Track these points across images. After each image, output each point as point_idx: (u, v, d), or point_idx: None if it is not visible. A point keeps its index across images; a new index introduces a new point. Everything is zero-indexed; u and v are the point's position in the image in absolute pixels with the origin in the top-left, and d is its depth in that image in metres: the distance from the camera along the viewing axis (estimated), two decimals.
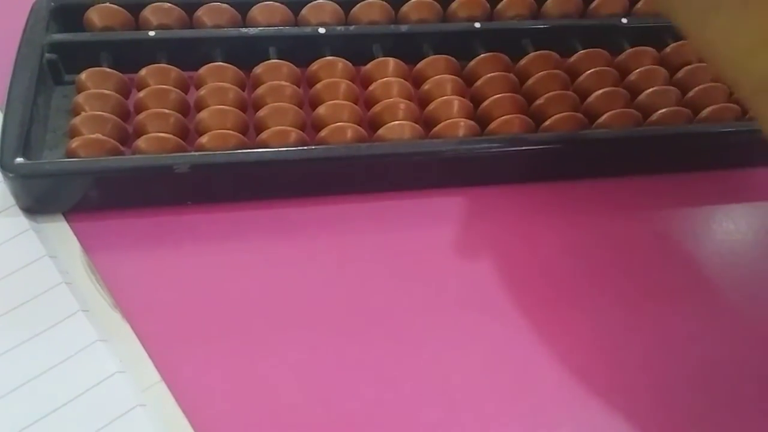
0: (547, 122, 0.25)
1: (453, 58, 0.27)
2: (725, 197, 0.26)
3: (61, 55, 0.25)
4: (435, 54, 0.27)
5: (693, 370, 0.22)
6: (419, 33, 0.28)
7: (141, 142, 0.23)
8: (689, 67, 0.27)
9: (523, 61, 0.27)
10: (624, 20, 0.29)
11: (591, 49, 0.27)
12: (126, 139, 0.24)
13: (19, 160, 0.22)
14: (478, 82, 0.26)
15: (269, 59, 0.26)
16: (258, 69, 0.26)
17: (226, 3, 0.27)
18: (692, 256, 0.25)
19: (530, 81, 0.27)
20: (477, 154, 0.25)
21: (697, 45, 0.19)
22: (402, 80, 0.26)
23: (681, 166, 0.26)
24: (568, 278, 0.24)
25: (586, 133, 0.25)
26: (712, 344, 0.22)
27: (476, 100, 0.26)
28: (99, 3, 0.27)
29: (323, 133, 0.24)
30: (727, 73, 0.18)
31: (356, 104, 0.26)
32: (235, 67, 0.26)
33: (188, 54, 0.26)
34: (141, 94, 0.24)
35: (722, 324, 0.23)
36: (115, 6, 0.27)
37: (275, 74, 0.26)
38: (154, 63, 0.25)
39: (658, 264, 0.24)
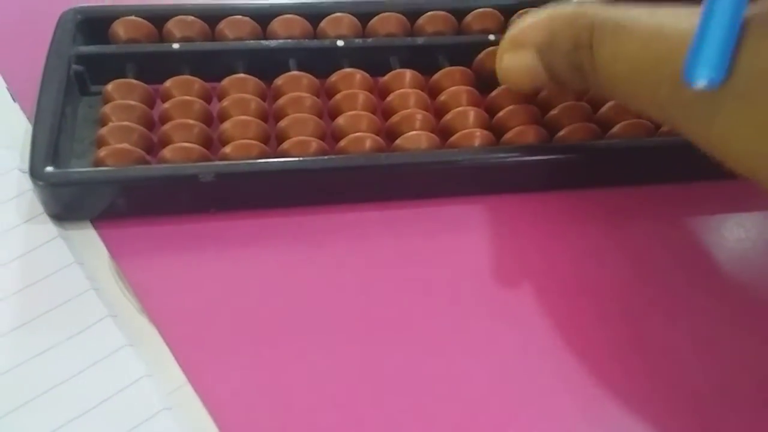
0: (562, 132, 0.26)
1: (468, 70, 0.28)
2: (736, 206, 0.27)
3: (87, 66, 0.26)
4: (450, 65, 0.28)
5: (705, 376, 0.22)
6: (435, 45, 0.29)
7: (166, 152, 0.24)
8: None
9: None
10: None
11: None
12: (151, 148, 0.25)
13: (49, 168, 0.23)
14: (493, 93, 0.27)
15: (289, 71, 0.27)
16: (279, 80, 0.26)
17: (247, 16, 0.28)
18: (704, 263, 0.25)
19: (544, 92, 0.27)
20: (493, 164, 0.25)
21: (705, 148, 0.19)
22: (419, 91, 0.27)
23: (694, 175, 0.27)
24: (584, 286, 0.24)
25: (601, 143, 0.26)
26: (724, 351, 0.23)
27: (491, 111, 0.27)
28: (124, 16, 0.27)
29: (343, 143, 0.25)
30: (741, 167, 0.18)
31: (374, 115, 0.26)
32: (256, 79, 0.26)
33: (211, 66, 0.27)
34: (166, 105, 0.25)
35: (735, 331, 0.23)
36: (140, 19, 0.27)
37: (295, 86, 0.26)
38: (178, 74, 0.26)
39: (672, 272, 0.25)
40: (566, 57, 0.22)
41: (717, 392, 0.22)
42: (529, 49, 0.23)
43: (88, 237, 0.24)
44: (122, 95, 0.25)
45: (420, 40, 0.28)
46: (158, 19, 0.28)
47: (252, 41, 0.28)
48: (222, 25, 0.28)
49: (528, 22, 0.23)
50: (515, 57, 0.23)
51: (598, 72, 0.21)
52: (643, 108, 0.21)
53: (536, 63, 0.23)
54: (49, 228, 0.23)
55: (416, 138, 0.25)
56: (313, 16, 0.28)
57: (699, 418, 0.21)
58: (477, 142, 0.26)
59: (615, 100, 0.22)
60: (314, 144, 0.25)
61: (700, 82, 0.17)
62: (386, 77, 0.27)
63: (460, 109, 0.26)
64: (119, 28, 0.27)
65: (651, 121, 0.26)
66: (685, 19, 0.19)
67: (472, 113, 0.26)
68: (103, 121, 0.25)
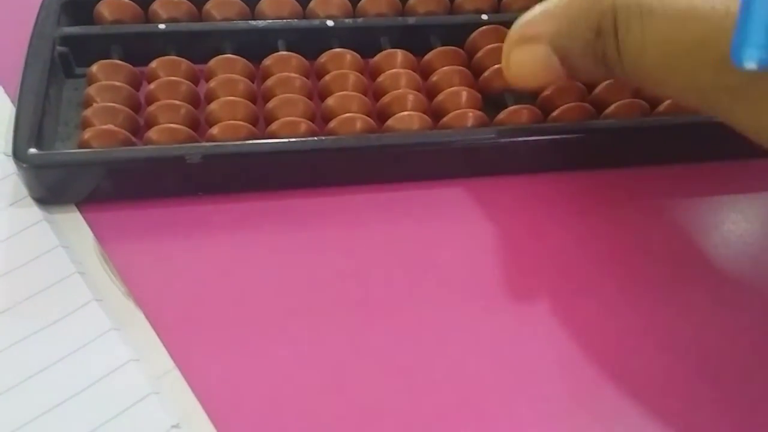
0: (555, 113, 0.25)
1: (461, 50, 0.27)
2: (733, 187, 0.26)
3: (71, 48, 0.26)
4: (442, 46, 0.27)
5: (702, 359, 0.22)
6: (426, 25, 0.28)
7: (152, 133, 0.23)
8: None
9: None
10: None
11: None
12: (137, 130, 0.24)
13: (32, 150, 0.22)
14: (486, 73, 0.27)
15: (278, 51, 0.26)
16: (267, 61, 0.26)
17: None
18: (700, 245, 0.25)
19: (550, 89, 0.27)
20: (486, 144, 0.25)
21: (755, 132, 0.18)
22: (410, 72, 0.26)
23: (689, 156, 0.26)
24: (577, 268, 0.24)
25: (595, 123, 0.25)
26: (720, 333, 0.22)
27: (483, 91, 0.26)
28: None
29: (332, 123, 0.25)
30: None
31: (365, 95, 0.26)
32: (244, 60, 0.26)
33: (198, 47, 0.26)
34: (152, 86, 0.25)
35: (732, 313, 0.23)
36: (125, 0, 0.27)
37: (284, 66, 0.26)
38: (164, 55, 0.26)
39: (666, 253, 0.24)
40: (588, 47, 0.20)
41: (711, 375, 0.21)
42: (542, 42, 0.21)
43: (73, 220, 0.23)
44: (107, 76, 0.25)
45: (411, 20, 0.28)
46: (144, 0, 0.27)
47: (240, 21, 0.27)
48: (209, 6, 0.27)
49: (538, 11, 0.21)
50: (526, 52, 0.21)
51: (625, 60, 0.19)
52: (679, 94, 0.20)
53: (551, 57, 0.21)
54: (34, 211, 0.23)
55: (407, 119, 0.25)
56: None
57: (689, 401, 0.21)
58: (469, 123, 0.25)
59: (644, 88, 0.20)
60: (303, 125, 0.24)
61: (750, 64, 0.16)
62: (377, 57, 0.27)
63: (452, 89, 0.26)
64: (104, 9, 0.27)
65: (657, 99, 0.26)
66: None
67: (464, 93, 0.26)
68: (87, 103, 0.24)
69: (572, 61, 0.21)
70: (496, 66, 0.26)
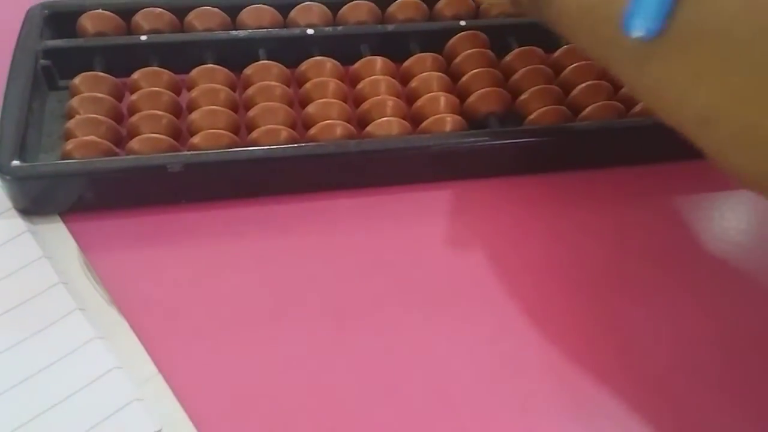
0: (533, 116, 0.26)
1: (439, 56, 0.28)
2: (707, 186, 0.27)
3: (55, 60, 0.26)
4: (421, 52, 0.28)
5: (672, 353, 0.22)
6: (406, 32, 0.28)
7: (135, 144, 0.24)
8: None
9: (507, 57, 0.28)
10: None
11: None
12: (120, 140, 0.24)
13: (16, 162, 0.22)
14: (464, 78, 0.27)
15: (259, 60, 0.27)
16: (248, 70, 0.26)
17: (216, 7, 0.28)
18: (675, 242, 0.25)
19: (515, 76, 0.27)
20: (464, 148, 0.25)
21: (637, 93, 0.20)
22: (389, 78, 0.27)
23: (664, 156, 0.27)
24: (557, 268, 0.24)
25: (572, 125, 0.26)
26: (691, 328, 0.23)
27: (462, 96, 0.27)
28: (91, 9, 0.27)
29: (313, 130, 0.25)
30: (669, 116, 0.19)
31: (345, 102, 0.26)
32: (225, 69, 0.26)
33: (180, 57, 0.27)
34: (134, 96, 0.25)
35: (703, 309, 0.23)
36: (107, 12, 0.27)
37: (265, 75, 0.26)
38: (146, 66, 0.26)
39: (642, 251, 0.25)
40: None
41: (684, 368, 0.22)
42: None
43: (57, 231, 0.23)
44: (90, 88, 0.25)
45: (391, 27, 0.28)
46: (126, 12, 0.27)
47: (221, 32, 0.28)
48: (191, 17, 0.28)
49: None
50: None
51: (551, 5, 0.21)
52: (588, 47, 0.21)
53: None
54: (18, 223, 0.23)
55: (387, 124, 0.25)
56: (283, 6, 0.28)
57: (667, 393, 0.21)
58: (448, 127, 0.25)
59: (565, 36, 0.22)
60: (284, 132, 0.25)
61: (637, 32, 0.17)
62: (357, 65, 0.27)
63: (431, 95, 0.26)
64: (87, 22, 0.27)
65: (631, 101, 0.26)
66: None
67: (443, 99, 0.26)
68: (70, 114, 0.24)
69: None
70: (480, 91, 0.26)
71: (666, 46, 0.18)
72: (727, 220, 0.26)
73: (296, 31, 0.28)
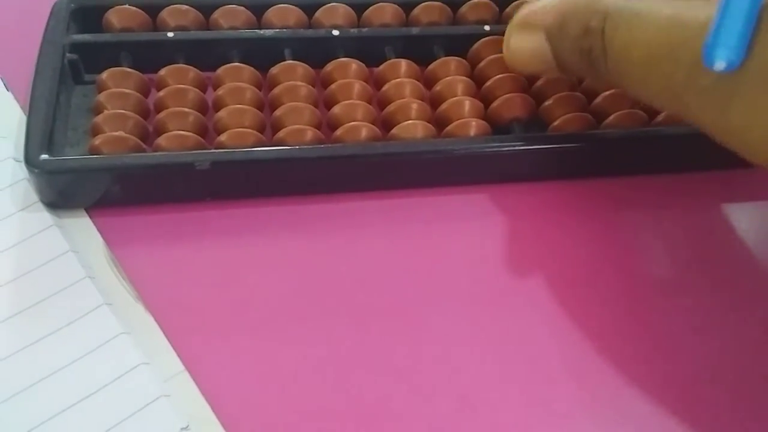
0: (557, 122, 0.26)
1: (464, 60, 0.28)
2: (733, 196, 0.27)
3: (81, 55, 0.26)
4: (446, 56, 0.28)
5: (700, 361, 0.22)
6: (430, 35, 0.29)
7: (162, 140, 0.24)
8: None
9: None
10: None
11: None
12: (147, 137, 0.25)
13: (44, 156, 0.23)
14: (488, 83, 0.27)
15: (285, 60, 0.27)
16: (274, 70, 0.26)
17: (242, 5, 0.28)
18: (701, 252, 0.25)
19: (539, 82, 0.27)
20: (488, 153, 0.25)
21: (721, 137, 0.19)
22: (414, 81, 0.27)
23: (688, 166, 0.27)
24: (581, 274, 0.24)
25: (596, 133, 0.26)
26: (721, 337, 0.23)
27: (486, 101, 0.27)
28: (118, 5, 0.27)
29: (338, 131, 0.25)
30: (756, 156, 0.19)
31: (370, 104, 0.26)
32: (251, 68, 0.26)
33: (206, 55, 0.27)
34: (161, 93, 0.25)
35: (732, 318, 0.23)
36: (134, 8, 0.27)
37: (291, 75, 0.26)
38: (172, 63, 0.26)
39: (669, 259, 0.25)
40: (576, 42, 0.22)
41: (712, 377, 0.22)
42: (539, 31, 0.23)
43: (83, 225, 0.23)
44: (117, 83, 0.25)
45: (415, 30, 0.29)
46: (152, 8, 0.27)
47: (247, 30, 0.28)
48: (217, 15, 0.28)
49: (539, 4, 0.23)
50: (524, 38, 0.24)
51: (609, 58, 0.21)
52: (654, 95, 0.21)
53: (544, 46, 0.23)
54: (44, 216, 0.23)
55: (412, 127, 0.25)
56: (308, 6, 0.28)
57: (695, 402, 0.21)
58: (472, 132, 0.26)
59: (623, 87, 0.22)
60: (310, 133, 0.25)
61: (719, 64, 0.18)
62: (381, 67, 0.27)
63: (455, 98, 0.26)
64: (113, 17, 0.27)
65: (655, 109, 0.26)
66: (702, 10, 0.19)
67: (467, 103, 0.26)
68: (97, 110, 0.24)
69: (562, 53, 0.23)
70: (504, 96, 0.26)
71: (748, 81, 0.18)
72: (754, 232, 0.26)
73: (321, 32, 0.28)
